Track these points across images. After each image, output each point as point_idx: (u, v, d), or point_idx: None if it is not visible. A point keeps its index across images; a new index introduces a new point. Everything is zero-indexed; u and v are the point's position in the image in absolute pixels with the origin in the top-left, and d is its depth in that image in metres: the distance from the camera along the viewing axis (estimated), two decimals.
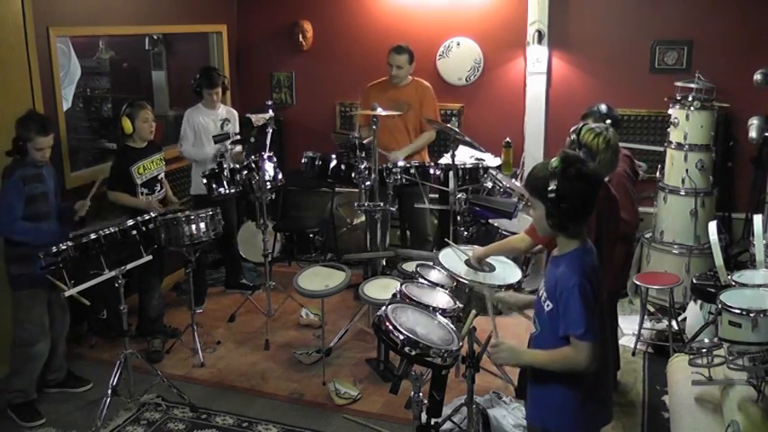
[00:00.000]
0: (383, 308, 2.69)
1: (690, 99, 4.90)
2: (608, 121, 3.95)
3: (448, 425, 3.44)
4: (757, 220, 3.67)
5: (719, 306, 2.85)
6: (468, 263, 3.24)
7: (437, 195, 5.54)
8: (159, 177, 4.66)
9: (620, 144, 3.49)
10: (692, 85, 4.95)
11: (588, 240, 2.37)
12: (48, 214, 3.86)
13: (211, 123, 5.13)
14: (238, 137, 5.05)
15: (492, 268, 3.29)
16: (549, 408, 2.43)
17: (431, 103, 5.43)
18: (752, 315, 2.72)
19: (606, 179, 3.29)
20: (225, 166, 4.72)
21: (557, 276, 2.31)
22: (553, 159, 2.29)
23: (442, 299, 3.05)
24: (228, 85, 5.53)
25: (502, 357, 2.40)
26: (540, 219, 2.32)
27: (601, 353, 2.27)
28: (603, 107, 4.14)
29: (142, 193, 4.53)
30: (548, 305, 2.33)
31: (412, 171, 4.98)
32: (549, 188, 2.22)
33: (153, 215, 4.11)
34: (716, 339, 3.01)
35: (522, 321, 3.28)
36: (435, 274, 3.35)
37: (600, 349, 2.26)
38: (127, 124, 4.42)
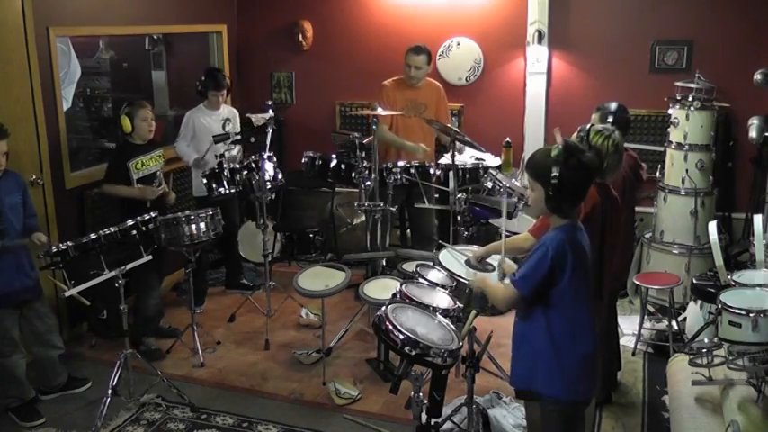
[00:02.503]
0: (383, 308, 2.69)
1: (690, 99, 4.90)
2: (609, 120, 3.93)
3: (448, 425, 3.44)
4: (757, 220, 3.67)
5: (719, 306, 2.86)
6: (468, 263, 3.23)
7: (437, 195, 5.54)
8: (157, 174, 4.62)
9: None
10: (692, 85, 4.95)
11: (579, 222, 2.54)
12: (2, 233, 3.65)
13: (213, 124, 5.13)
14: (238, 136, 5.06)
15: (492, 268, 3.29)
16: (531, 367, 2.53)
17: (445, 104, 5.45)
18: (752, 315, 2.72)
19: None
20: (225, 166, 4.72)
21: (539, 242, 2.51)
22: (554, 146, 2.42)
23: (442, 299, 3.05)
24: (230, 86, 5.53)
25: (477, 278, 2.82)
26: (538, 200, 2.49)
27: (591, 330, 2.50)
28: (614, 105, 4.11)
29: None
30: None
31: (412, 171, 4.98)
32: (552, 175, 2.37)
33: (153, 215, 4.09)
34: (716, 339, 3.01)
35: None
36: (435, 274, 3.35)
37: (590, 327, 2.50)
38: (126, 123, 4.41)
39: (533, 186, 2.49)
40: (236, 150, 5.13)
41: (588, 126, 3.33)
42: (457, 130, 5.02)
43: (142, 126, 4.47)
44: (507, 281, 2.59)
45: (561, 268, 2.40)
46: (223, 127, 5.15)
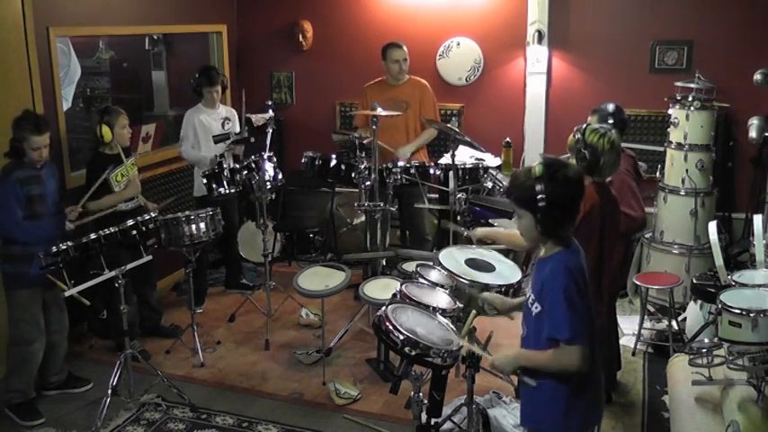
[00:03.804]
0: (383, 308, 2.70)
1: (690, 99, 4.89)
2: (610, 121, 3.95)
3: (448, 425, 3.44)
4: (757, 220, 3.67)
5: (719, 306, 2.85)
6: (469, 240, 3.23)
7: (437, 195, 5.54)
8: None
9: (622, 144, 3.50)
10: (692, 85, 4.95)
11: (574, 240, 2.37)
12: (43, 216, 3.80)
13: (212, 123, 5.13)
14: (239, 136, 5.06)
15: (492, 268, 3.29)
16: (540, 407, 2.45)
17: (429, 101, 5.44)
18: (752, 315, 2.71)
19: (608, 179, 3.31)
20: (225, 165, 4.72)
21: (543, 278, 2.31)
22: (534, 166, 2.28)
23: (442, 299, 3.05)
24: (228, 84, 5.52)
25: (503, 370, 2.56)
26: (529, 228, 2.31)
27: (590, 352, 2.28)
28: (611, 106, 4.13)
29: None
30: (536, 307, 2.34)
31: (412, 171, 4.98)
32: (539, 196, 2.22)
33: (153, 214, 4.09)
34: (716, 339, 3.01)
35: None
36: (435, 274, 3.35)
37: (589, 349, 2.27)
38: (107, 132, 4.26)
39: (520, 214, 2.31)
40: (239, 149, 5.10)
41: (584, 126, 3.34)
42: (456, 129, 5.02)
43: (122, 134, 4.35)
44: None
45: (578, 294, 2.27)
46: (222, 126, 5.15)
